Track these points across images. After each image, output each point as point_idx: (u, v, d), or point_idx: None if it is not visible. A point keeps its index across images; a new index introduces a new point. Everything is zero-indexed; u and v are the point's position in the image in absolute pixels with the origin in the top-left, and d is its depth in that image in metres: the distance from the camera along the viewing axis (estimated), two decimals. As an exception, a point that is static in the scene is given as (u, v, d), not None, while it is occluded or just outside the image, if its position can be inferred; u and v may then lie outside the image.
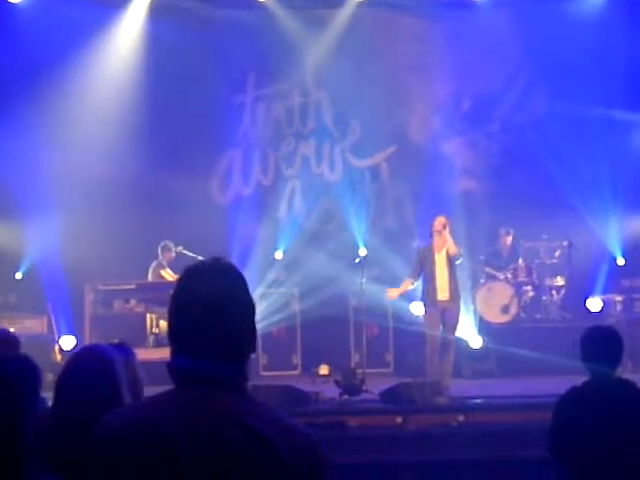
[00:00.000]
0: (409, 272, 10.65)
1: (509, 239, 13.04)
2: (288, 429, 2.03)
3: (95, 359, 2.96)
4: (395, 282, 11.64)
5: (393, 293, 10.61)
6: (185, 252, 12.06)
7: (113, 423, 2.04)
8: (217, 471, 1.95)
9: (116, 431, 2.01)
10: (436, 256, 10.18)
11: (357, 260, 11.35)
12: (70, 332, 11.71)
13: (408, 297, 11.03)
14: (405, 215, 14.05)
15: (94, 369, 2.91)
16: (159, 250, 12.42)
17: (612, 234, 13.20)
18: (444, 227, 10.12)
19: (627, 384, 4.55)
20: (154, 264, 12.37)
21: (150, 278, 12.31)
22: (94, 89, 13.20)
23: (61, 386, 2.95)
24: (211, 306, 2.04)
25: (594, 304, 12.49)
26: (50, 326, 11.97)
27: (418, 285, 10.46)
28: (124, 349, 3.63)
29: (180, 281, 2.12)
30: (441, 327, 10.08)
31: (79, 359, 3.02)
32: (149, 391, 2.17)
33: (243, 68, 13.83)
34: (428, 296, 10.17)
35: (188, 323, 2.05)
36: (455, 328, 10.21)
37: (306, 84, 14.22)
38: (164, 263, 12.35)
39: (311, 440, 2.05)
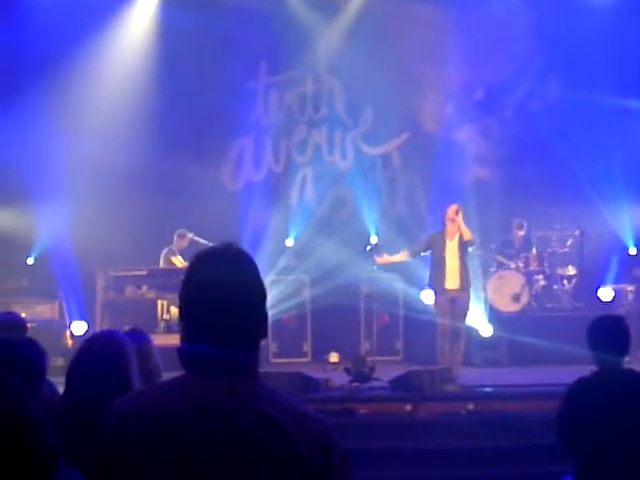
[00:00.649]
0: (411, 246, 10.64)
1: (522, 232, 13.00)
2: (301, 415, 2.03)
3: (106, 345, 2.97)
4: (406, 270, 11.66)
5: (382, 259, 10.60)
6: (196, 238, 12.07)
7: (123, 408, 2.04)
8: (229, 456, 1.95)
9: (126, 416, 2.01)
10: (448, 243, 10.16)
11: (368, 248, 11.34)
12: (81, 317, 11.75)
13: (419, 285, 11.02)
14: (417, 203, 14.02)
15: (105, 355, 2.92)
16: (175, 237, 12.42)
17: (624, 223, 13.15)
18: (457, 214, 10.10)
19: (636, 376, 4.53)
20: (165, 250, 12.39)
21: (161, 264, 12.33)
22: (106, 76, 13.22)
23: (73, 371, 2.96)
24: (222, 292, 2.03)
25: (605, 293, 12.45)
26: (61, 311, 12.02)
27: (426, 271, 10.44)
28: (139, 335, 3.65)
29: (191, 267, 2.11)
30: (451, 315, 10.06)
31: (91, 345, 3.03)
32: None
33: (255, 55, 13.80)
34: (436, 283, 10.16)
35: (199, 309, 2.05)
36: (465, 316, 10.20)
37: (318, 71, 14.19)
38: (175, 250, 12.36)
39: (324, 426, 2.05)
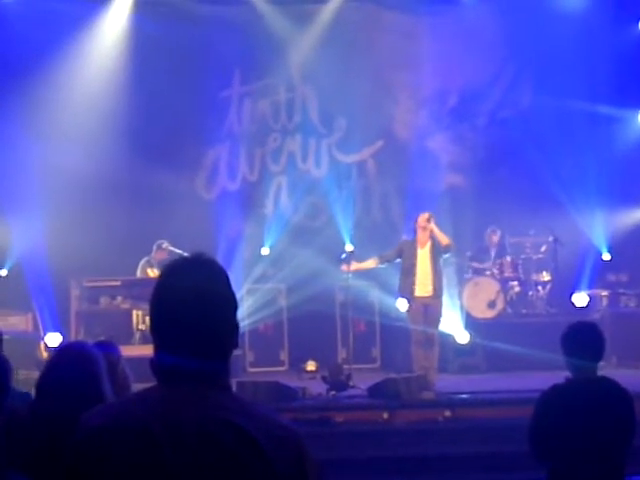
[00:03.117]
0: (381, 253, 10.65)
1: (495, 238, 13.06)
2: (272, 425, 2.02)
3: (76, 356, 2.95)
4: (382, 278, 11.66)
5: (352, 266, 10.58)
6: (171, 248, 12.02)
7: (94, 421, 2.02)
8: (201, 468, 1.93)
9: (97, 429, 1.99)
10: (419, 251, 10.17)
11: (343, 256, 11.34)
12: (56, 329, 11.65)
13: (395, 293, 11.02)
14: (391, 211, 14.05)
15: (75, 366, 2.90)
16: (154, 247, 12.36)
17: (598, 229, 13.24)
18: (428, 222, 10.11)
19: (608, 382, 4.55)
20: (143, 261, 12.32)
21: (138, 274, 12.26)
22: (79, 84, 13.14)
23: (43, 383, 2.93)
24: (192, 301, 2.02)
25: (580, 299, 12.53)
26: (35, 323, 11.91)
27: (396, 278, 10.44)
28: (108, 346, 3.62)
29: (161, 277, 2.10)
30: (424, 322, 10.06)
31: (61, 357, 3.01)
32: (136, 388, 2.14)
33: (229, 63, 13.78)
34: (405, 290, 10.17)
35: (169, 319, 2.04)
36: (438, 323, 10.20)
37: (292, 80, 14.19)
38: (153, 262, 12.29)
39: (296, 436, 2.04)
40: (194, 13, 13.28)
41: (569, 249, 12.79)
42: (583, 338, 4.53)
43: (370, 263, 10.57)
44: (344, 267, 10.64)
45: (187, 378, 2.01)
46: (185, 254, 2.17)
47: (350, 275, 10.79)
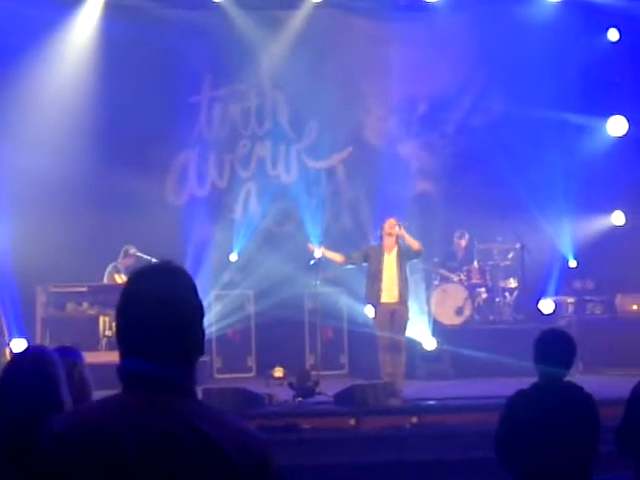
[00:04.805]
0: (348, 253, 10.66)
1: (464, 242, 13.14)
2: (238, 431, 2.02)
3: (33, 361, 2.92)
4: (350, 284, 11.67)
5: (320, 251, 10.62)
6: (139, 254, 11.95)
7: (59, 428, 2.00)
8: (167, 475, 1.92)
9: (62, 436, 1.97)
10: (385, 257, 10.19)
11: (312, 262, 11.33)
12: (21, 335, 11.54)
13: (363, 300, 11.03)
14: (361, 217, 14.07)
15: (32, 371, 2.87)
16: (121, 253, 12.28)
17: (564, 236, 13.35)
18: (395, 228, 10.13)
19: (574, 388, 4.58)
20: (110, 267, 12.23)
21: (105, 281, 12.17)
22: (48, 88, 13.03)
23: (1, 390, 2.90)
24: (158, 308, 2.02)
25: (546, 306, 12.63)
26: (1, 328, 11.78)
27: (363, 284, 10.45)
28: (70, 351, 3.58)
29: (128, 283, 2.11)
30: (391, 328, 10.07)
31: (17, 361, 2.98)
32: (102, 395, 2.14)
33: (199, 68, 13.74)
34: (371, 296, 10.19)
35: (135, 325, 2.03)
36: (404, 329, 10.22)
37: (262, 85, 14.17)
38: (120, 268, 12.21)
39: (261, 442, 2.04)
40: (164, 17, 13.23)
41: (536, 256, 12.88)
42: (554, 345, 4.56)
43: (337, 257, 10.57)
44: (313, 246, 10.63)
45: (152, 384, 2.00)
46: (153, 260, 2.16)
47: (318, 282, 10.80)
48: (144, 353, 2.01)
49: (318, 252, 10.68)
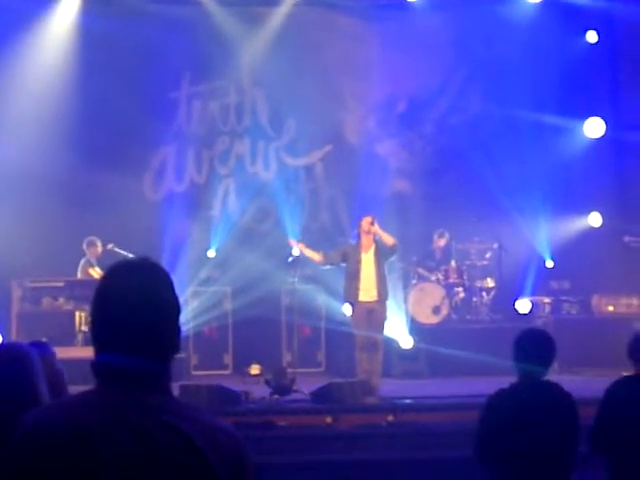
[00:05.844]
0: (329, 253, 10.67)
1: (443, 241, 13.16)
2: (212, 428, 2.01)
3: (10, 357, 2.89)
4: (328, 282, 11.67)
5: (301, 247, 10.61)
6: (116, 249, 11.88)
7: (30, 423, 1.98)
8: (139, 471, 1.91)
9: (34, 432, 1.95)
10: (363, 256, 10.19)
11: (290, 259, 11.33)
12: (-4, 330, 11.46)
13: (340, 297, 11.03)
14: (339, 215, 14.07)
15: (10, 367, 2.85)
16: (84, 246, 12.20)
17: (541, 237, 13.42)
18: (372, 225, 10.13)
19: (553, 387, 4.61)
20: (82, 262, 12.17)
21: (79, 276, 12.11)
22: (25, 82, 12.95)
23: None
24: (134, 304, 2.01)
25: (523, 306, 12.68)
26: (-25, 324, 11.70)
27: (341, 282, 10.45)
28: (42, 346, 3.56)
29: (104, 279, 2.10)
30: (368, 327, 10.07)
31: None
32: (78, 390, 2.12)
33: (178, 64, 13.68)
34: (349, 295, 10.19)
35: (110, 320, 2.03)
36: (382, 327, 10.22)
37: (242, 82, 14.14)
38: (92, 261, 12.15)
39: (236, 440, 2.03)
40: (144, 12, 13.16)
41: (513, 256, 12.94)
42: (535, 345, 4.59)
43: (316, 255, 10.53)
44: (293, 242, 10.60)
45: (127, 380, 2.00)
46: (130, 255, 2.16)
47: (296, 279, 10.79)
48: (119, 349, 2.00)
49: (296, 249, 10.66)
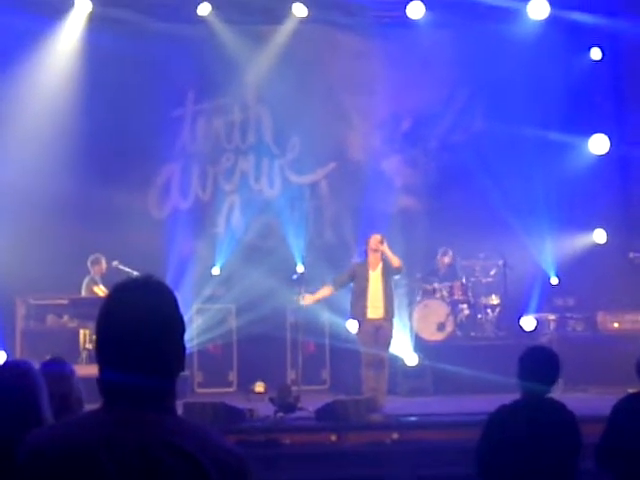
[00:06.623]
0: (335, 278, 10.63)
1: (447, 259, 13.14)
2: (216, 448, 2.01)
3: (13, 374, 2.89)
4: (332, 299, 11.64)
5: (307, 300, 10.54)
6: (121, 267, 11.88)
7: (38, 442, 2.00)
8: (144, 491, 1.90)
9: (41, 451, 1.97)
10: (370, 273, 10.19)
11: (295, 277, 11.33)
12: (1, 348, 11.45)
13: (345, 314, 11.02)
14: (344, 232, 14.07)
15: (13, 384, 2.84)
16: (89, 264, 12.19)
17: (546, 254, 13.40)
18: (381, 244, 10.14)
19: (556, 405, 4.59)
20: (87, 279, 12.16)
21: (84, 294, 12.10)
22: (30, 100, 12.99)
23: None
24: (138, 322, 2.02)
25: (528, 323, 12.64)
26: (-20, 342, 11.70)
27: (348, 300, 10.43)
28: (59, 364, 3.55)
29: (109, 297, 2.11)
30: (375, 344, 10.06)
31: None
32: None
33: (183, 82, 13.75)
34: (357, 313, 10.17)
35: (115, 338, 2.03)
36: (388, 345, 10.22)
37: (246, 99, 14.18)
38: (97, 279, 12.15)
39: (239, 459, 2.03)
40: (149, 30, 13.22)
41: (518, 273, 12.91)
42: (539, 363, 4.58)
43: (325, 291, 10.52)
44: (301, 300, 10.56)
45: (131, 398, 2.00)
46: (135, 273, 2.16)
47: (301, 297, 10.77)
48: (124, 367, 2.01)
49: (305, 300, 10.55)
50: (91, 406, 2.10)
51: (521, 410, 4.51)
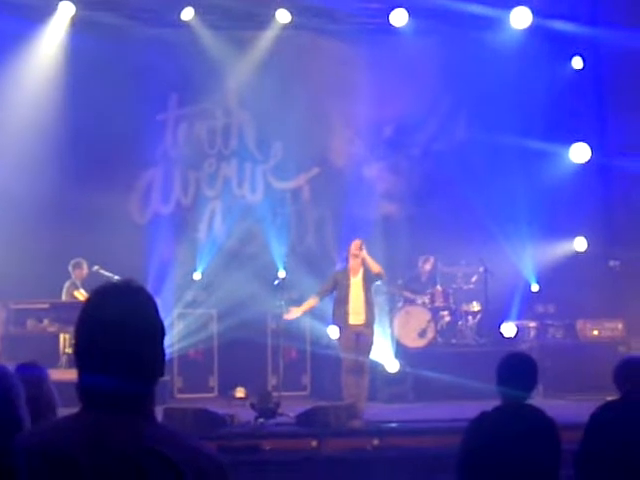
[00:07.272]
0: (317, 289, 10.62)
1: (429, 266, 13.18)
2: (195, 453, 2.01)
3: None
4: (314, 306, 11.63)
5: (293, 313, 10.49)
6: (102, 271, 11.83)
7: (27, 444, 2.01)
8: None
9: (32, 453, 1.97)
10: (352, 280, 10.18)
11: (276, 282, 11.32)
12: (-20, 351, 11.38)
13: (326, 320, 11.02)
14: (325, 238, 14.08)
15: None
16: (70, 268, 12.15)
17: (527, 261, 13.46)
18: (360, 249, 10.12)
19: (537, 412, 4.60)
20: (67, 284, 12.12)
21: (64, 298, 12.05)
22: (14, 103, 12.95)
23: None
24: (118, 327, 2.02)
25: (508, 329, 12.70)
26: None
27: (329, 307, 10.43)
28: (33, 368, 3.54)
29: (88, 301, 2.11)
30: (355, 350, 10.05)
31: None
32: (61, 412, 2.13)
33: (166, 86, 13.71)
34: (339, 319, 10.17)
35: (93, 343, 2.03)
36: (369, 351, 10.21)
37: (229, 105, 14.17)
38: (77, 283, 12.10)
39: (218, 464, 2.03)
40: (132, 35, 13.22)
41: (499, 280, 12.96)
42: (517, 368, 4.60)
43: (310, 303, 10.46)
44: (290, 314, 10.51)
45: (110, 403, 2.00)
46: (116, 277, 2.16)
47: (283, 302, 10.76)
48: (102, 371, 2.01)
49: (291, 314, 10.51)
50: (69, 410, 2.09)
51: (502, 417, 4.52)
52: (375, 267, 10.12)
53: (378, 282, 10.41)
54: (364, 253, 10.12)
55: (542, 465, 4.46)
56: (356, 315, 10.05)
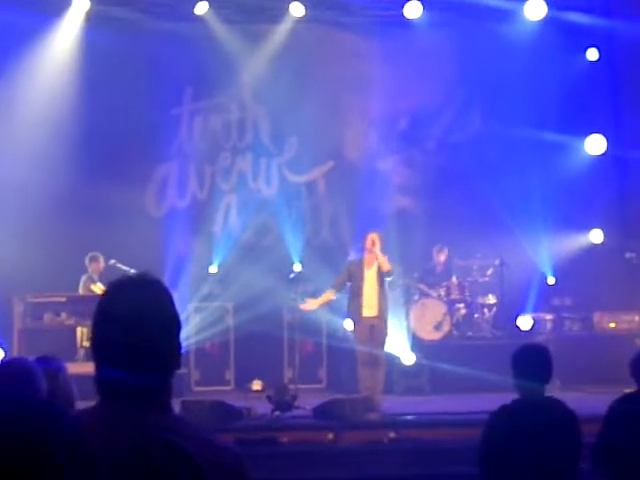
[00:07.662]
0: (331, 282, 10.63)
1: (443, 256, 13.16)
2: (212, 446, 2.01)
3: (13, 372, 2.90)
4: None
5: (310, 305, 10.52)
6: (118, 265, 11.88)
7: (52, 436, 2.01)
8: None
9: (59, 443, 1.98)
10: (366, 272, 10.17)
11: (292, 275, 11.34)
12: (-2, 345, 11.46)
13: (342, 313, 11.03)
14: (340, 231, 14.08)
15: (12, 382, 2.85)
16: (86, 262, 12.20)
17: (543, 253, 13.41)
18: (373, 245, 10.10)
19: (556, 404, 4.59)
20: (84, 277, 12.17)
21: (81, 292, 12.11)
22: (28, 98, 13.00)
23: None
24: (134, 319, 2.03)
25: (524, 322, 12.66)
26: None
27: (345, 300, 10.43)
28: (51, 361, 3.57)
29: (105, 294, 2.12)
30: (370, 343, 10.06)
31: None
32: (79, 405, 2.14)
33: (181, 80, 13.74)
34: (353, 312, 10.18)
35: (110, 336, 2.04)
36: (383, 344, 10.21)
37: (244, 98, 14.18)
38: (94, 277, 12.15)
39: (235, 457, 2.04)
40: (147, 29, 13.23)
41: (515, 273, 12.93)
42: (532, 360, 4.59)
43: (327, 296, 10.46)
44: (307, 306, 10.53)
45: (128, 396, 2.01)
46: (132, 271, 2.17)
47: (298, 295, 10.77)
48: (119, 364, 2.02)
49: (308, 305, 10.53)
50: (86, 403, 2.11)
51: (522, 409, 4.51)
52: (385, 265, 10.08)
53: (389, 278, 10.37)
54: (376, 249, 10.08)
55: (563, 457, 4.45)
56: (369, 308, 10.06)
